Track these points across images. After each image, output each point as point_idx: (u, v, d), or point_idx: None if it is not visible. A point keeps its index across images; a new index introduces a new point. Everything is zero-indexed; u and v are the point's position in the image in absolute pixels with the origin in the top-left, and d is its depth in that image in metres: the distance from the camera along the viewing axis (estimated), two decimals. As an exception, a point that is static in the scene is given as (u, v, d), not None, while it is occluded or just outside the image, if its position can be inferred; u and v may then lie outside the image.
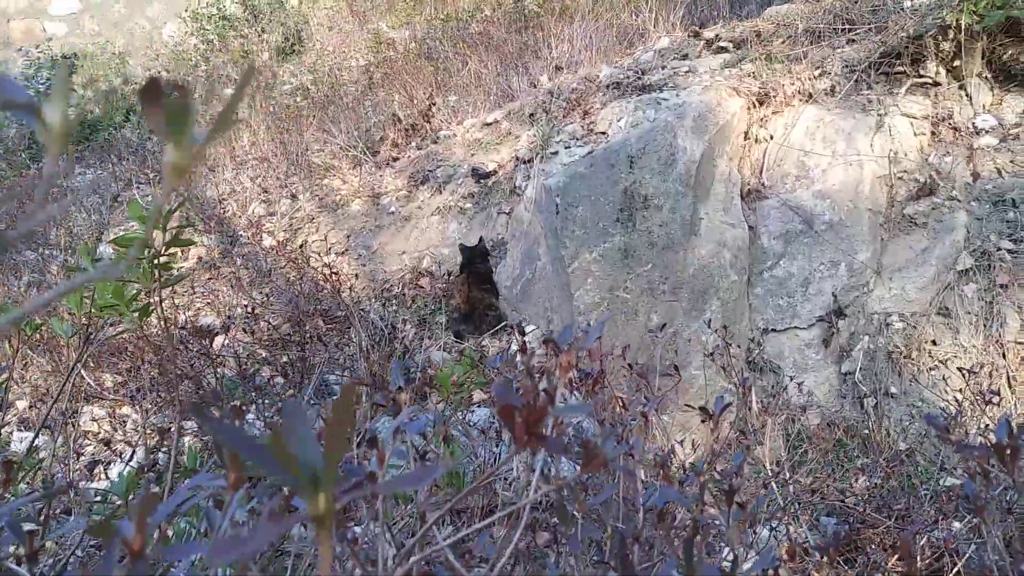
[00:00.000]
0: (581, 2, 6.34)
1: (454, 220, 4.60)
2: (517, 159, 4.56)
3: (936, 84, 3.51)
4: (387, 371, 3.27)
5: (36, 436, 1.71)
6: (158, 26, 9.58)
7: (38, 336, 3.31)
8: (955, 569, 1.79)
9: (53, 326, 1.78)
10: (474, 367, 2.96)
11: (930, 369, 2.98)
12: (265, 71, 8.03)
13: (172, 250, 1.62)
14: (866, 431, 3.02)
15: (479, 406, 2.83)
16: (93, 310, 1.62)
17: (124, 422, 3.69)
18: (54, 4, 9.59)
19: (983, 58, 3.44)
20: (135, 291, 1.66)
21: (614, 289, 3.44)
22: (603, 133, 4.19)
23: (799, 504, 2.57)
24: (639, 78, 4.46)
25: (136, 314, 1.68)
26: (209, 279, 4.66)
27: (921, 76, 3.52)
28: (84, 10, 9.66)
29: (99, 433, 3.60)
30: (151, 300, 1.71)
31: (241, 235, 5.03)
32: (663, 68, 4.52)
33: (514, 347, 1.14)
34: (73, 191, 6.39)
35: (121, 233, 5.52)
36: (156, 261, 1.61)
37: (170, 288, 1.79)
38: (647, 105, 4.02)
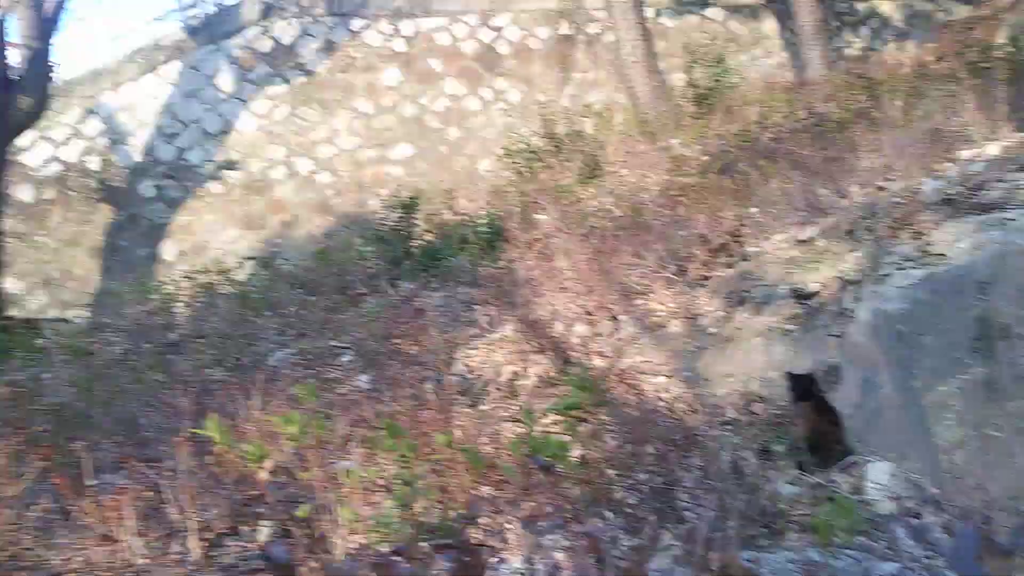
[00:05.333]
0: (890, 112, 6.24)
1: (778, 342, 4.71)
2: (843, 280, 4.59)
3: None
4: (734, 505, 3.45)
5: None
6: (475, 161, 11.20)
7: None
8: None
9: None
10: (846, 511, 3.02)
11: None
12: (569, 195, 8.95)
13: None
14: None
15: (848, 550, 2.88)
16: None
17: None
18: (394, 151, 11.74)
19: None
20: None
21: (979, 426, 3.30)
22: (940, 255, 4.08)
23: None
24: (973, 194, 4.30)
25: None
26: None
27: None
28: (417, 154, 11.67)
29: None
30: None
31: (571, 355, 5.61)
32: (999, 182, 4.31)
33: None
34: (423, 310, 7.56)
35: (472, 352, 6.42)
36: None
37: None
38: (990, 226, 3.87)
